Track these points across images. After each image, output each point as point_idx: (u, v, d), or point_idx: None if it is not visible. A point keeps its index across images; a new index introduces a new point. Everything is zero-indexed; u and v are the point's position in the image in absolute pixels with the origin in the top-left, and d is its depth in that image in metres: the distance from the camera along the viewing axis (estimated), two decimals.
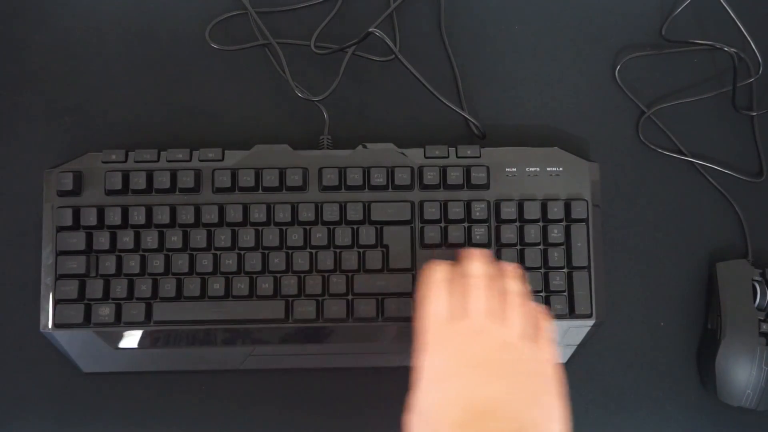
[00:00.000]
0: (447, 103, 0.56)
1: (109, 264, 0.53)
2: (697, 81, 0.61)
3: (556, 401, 0.43)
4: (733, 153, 0.60)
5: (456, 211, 0.54)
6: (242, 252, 0.53)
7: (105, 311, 0.53)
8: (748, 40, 0.59)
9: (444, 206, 0.54)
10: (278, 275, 0.53)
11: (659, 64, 0.61)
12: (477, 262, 0.47)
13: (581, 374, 0.56)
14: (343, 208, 0.54)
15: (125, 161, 0.54)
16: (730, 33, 0.60)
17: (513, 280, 0.47)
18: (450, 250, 0.54)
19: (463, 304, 0.45)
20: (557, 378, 0.44)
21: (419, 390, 0.43)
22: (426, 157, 0.55)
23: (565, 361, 0.54)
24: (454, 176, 0.54)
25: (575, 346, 0.54)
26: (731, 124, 0.60)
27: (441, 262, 0.47)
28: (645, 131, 0.60)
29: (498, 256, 0.54)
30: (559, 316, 0.54)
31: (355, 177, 0.54)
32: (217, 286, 0.53)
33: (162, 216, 0.53)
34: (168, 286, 0.53)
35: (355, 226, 0.54)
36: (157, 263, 0.53)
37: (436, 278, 0.46)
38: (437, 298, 0.45)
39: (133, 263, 0.53)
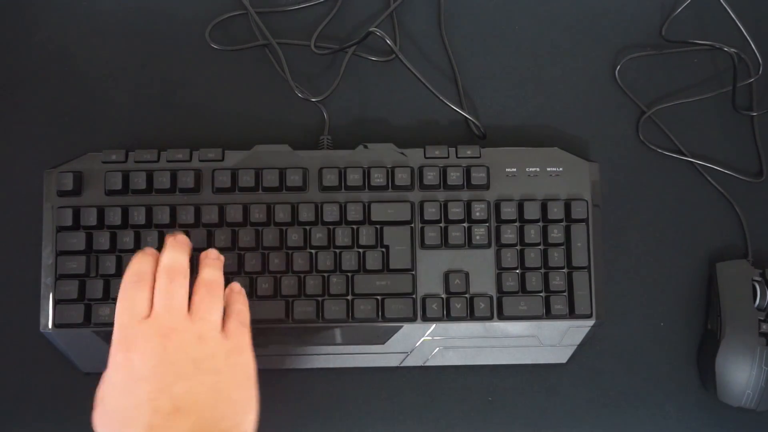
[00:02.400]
0: (447, 103, 0.56)
1: (109, 264, 0.53)
2: (697, 81, 0.61)
3: (246, 393, 0.44)
4: (733, 153, 0.60)
5: (456, 211, 0.54)
6: (242, 252, 0.53)
7: (105, 311, 0.53)
8: (748, 40, 0.59)
9: (444, 206, 0.54)
10: (278, 275, 0.53)
11: (659, 64, 0.61)
12: (173, 253, 0.46)
13: (581, 374, 0.56)
14: (343, 209, 0.54)
15: (125, 161, 0.54)
16: (730, 33, 0.60)
17: (210, 269, 0.46)
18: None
19: (157, 300, 0.44)
20: (250, 369, 0.45)
21: (107, 391, 0.43)
22: (426, 158, 0.55)
23: (565, 361, 0.54)
24: (454, 176, 0.54)
25: (575, 346, 0.54)
26: (731, 124, 0.60)
27: (141, 254, 0.46)
28: (645, 131, 0.60)
29: (498, 256, 0.54)
30: (559, 316, 0.54)
31: (355, 177, 0.54)
32: None
33: (162, 216, 0.53)
34: None
35: (355, 227, 0.54)
36: None
37: (130, 272, 0.45)
38: (128, 295, 0.44)
39: None
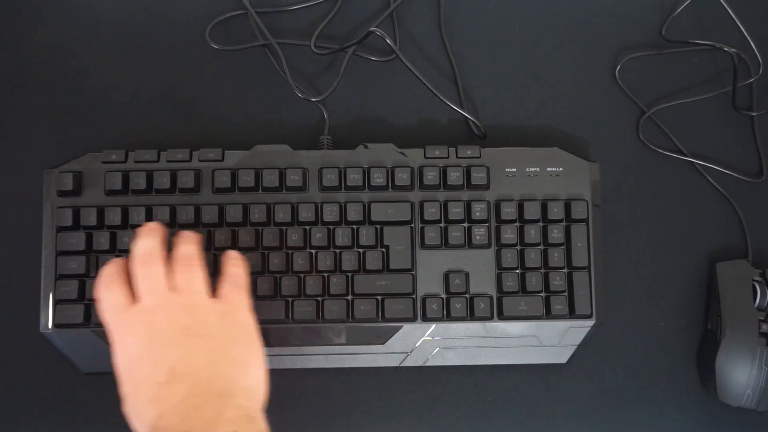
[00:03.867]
0: (448, 103, 0.56)
1: None
2: (697, 81, 0.61)
3: (244, 349, 0.45)
4: (733, 153, 0.60)
5: (456, 211, 0.54)
6: (242, 252, 0.53)
7: None
8: (748, 40, 0.59)
9: (444, 206, 0.54)
10: (278, 275, 0.53)
11: (659, 64, 0.61)
12: (143, 240, 0.47)
13: (581, 374, 0.56)
14: (343, 209, 0.54)
15: (125, 161, 0.54)
16: (730, 33, 0.60)
17: (183, 245, 0.47)
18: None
19: (138, 287, 0.45)
20: (249, 326, 0.46)
21: (120, 382, 0.44)
22: (426, 158, 0.55)
23: (565, 361, 0.54)
24: (454, 176, 0.54)
25: (575, 347, 0.54)
26: (731, 124, 0.60)
27: (109, 262, 0.48)
28: (645, 131, 0.60)
29: (498, 256, 0.54)
30: (559, 317, 0.54)
31: (355, 177, 0.54)
32: None
33: (162, 216, 0.53)
34: None
35: (355, 227, 0.54)
36: None
37: (102, 279, 0.46)
38: (105, 296, 0.46)
39: None
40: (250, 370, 0.45)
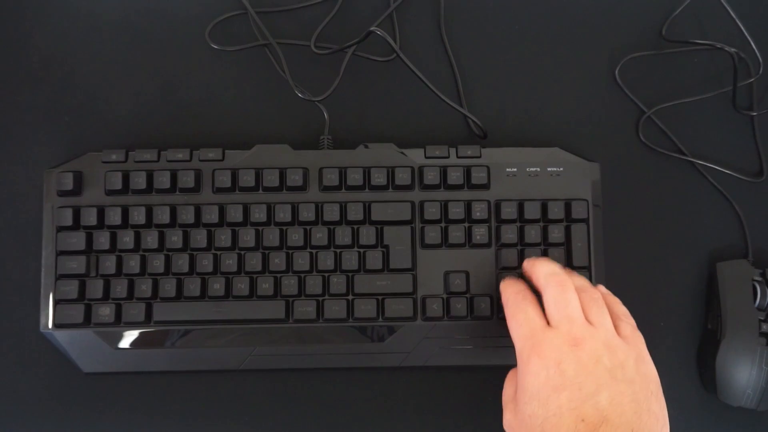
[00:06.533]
0: (448, 102, 0.56)
1: (109, 264, 0.53)
2: (697, 81, 0.61)
3: (661, 404, 0.43)
4: (733, 153, 0.60)
5: (456, 211, 0.54)
6: (242, 252, 0.53)
7: (105, 311, 0.53)
8: (749, 40, 0.59)
9: (444, 206, 0.54)
10: (278, 275, 0.53)
11: (659, 64, 0.61)
12: (549, 264, 0.46)
13: None
14: (343, 208, 0.54)
15: (125, 161, 0.54)
16: (730, 33, 0.60)
17: (575, 276, 0.46)
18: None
19: (553, 310, 0.44)
20: (656, 377, 0.43)
21: (522, 397, 0.42)
22: (426, 157, 0.55)
23: None
24: (455, 176, 0.54)
25: None
26: (731, 124, 0.60)
27: (509, 279, 0.48)
28: (645, 131, 0.60)
29: (498, 256, 0.54)
30: None
31: (355, 177, 0.54)
32: (217, 286, 0.53)
33: (162, 216, 0.53)
34: (168, 286, 0.53)
35: (355, 226, 0.54)
36: (157, 263, 0.53)
37: (511, 290, 0.46)
38: (520, 308, 0.44)
39: (133, 263, 0.53)
40: (664, 430, 0.42)
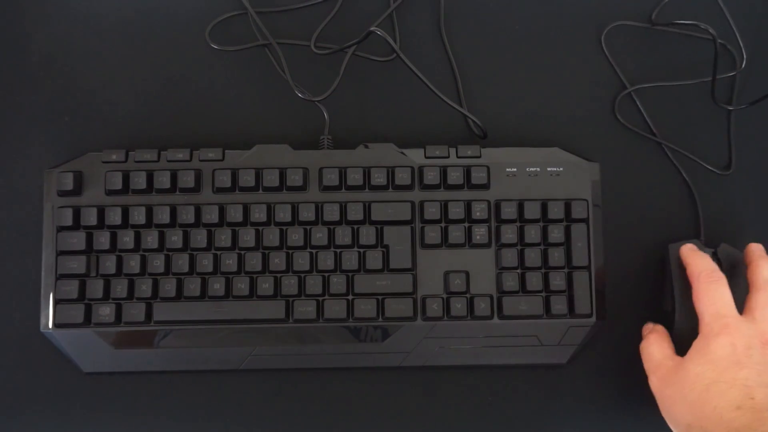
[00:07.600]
0: (448, 102, 0.56)
1: (109, 264, 0.53)
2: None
3: None
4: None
5: (456, 211, 0.54)
6: (242, 252, 0.53)
7: (105, 311, 0.53)
8: (734, 33, 0.59)
9: (444, 206, 0.54)
10: (278, 275, 0.53)
11: (660, 64, 0.61)
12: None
13: (581, 374, 0.56)
14: (343, 208, 0.54)
15: (125, 161, 0.54)
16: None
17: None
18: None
19: (763, 312, 0.48)
20: None
21: (697, 362, 0.46)
22: (426, 157, 0.55)
23: (565, 361, 0.54)
24: (455, 176, 0.54)
25: (575, 346, 0.54)
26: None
27: (699, 252, 0.51)
28: (645, 131, 0.60)
29: (498, 256, 0.54)
30: (559, 316, 0.54)
31: (355, 177, 0.54)
32: (217, 286, 0.53)
33: (162, 216, 0.53)
34: (168, 286, 0.53)
35: (355, 226, 0.54)
36: (157, 263, 0.53)
37: (709, 268, 0.50)
38: (713, 288, 0.49)
39: (133, 263, 0.53)
40: None
